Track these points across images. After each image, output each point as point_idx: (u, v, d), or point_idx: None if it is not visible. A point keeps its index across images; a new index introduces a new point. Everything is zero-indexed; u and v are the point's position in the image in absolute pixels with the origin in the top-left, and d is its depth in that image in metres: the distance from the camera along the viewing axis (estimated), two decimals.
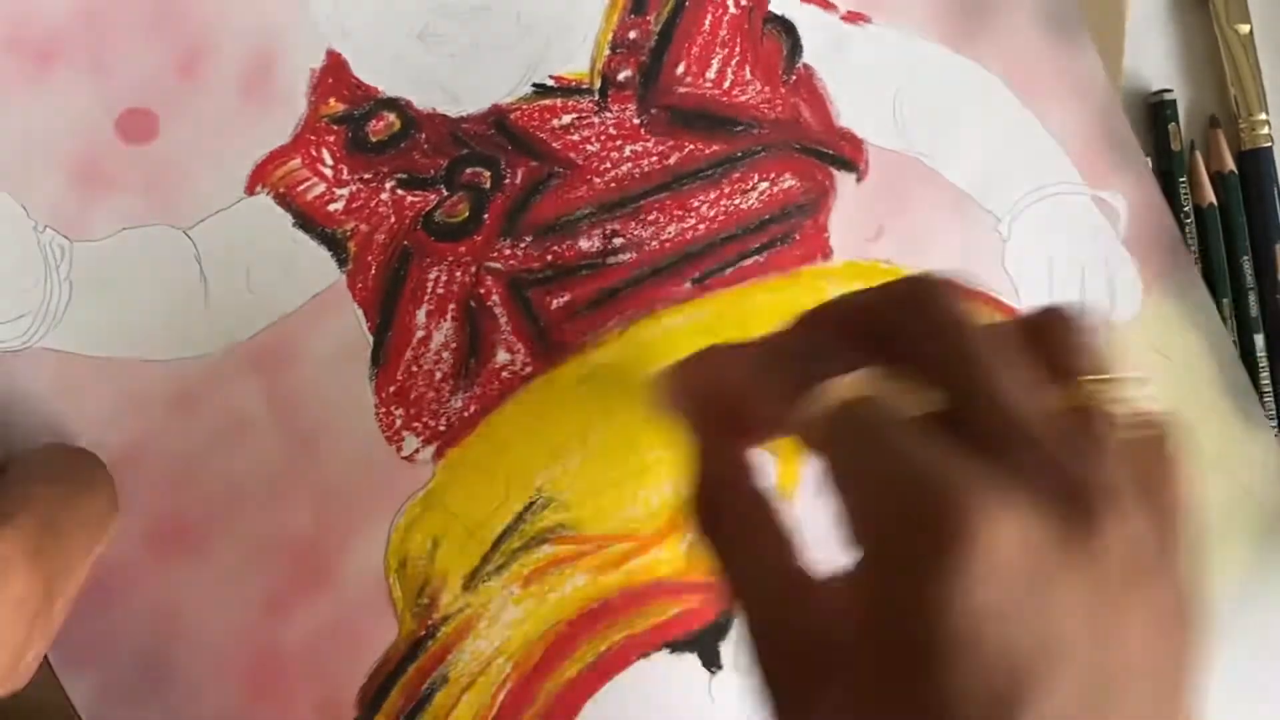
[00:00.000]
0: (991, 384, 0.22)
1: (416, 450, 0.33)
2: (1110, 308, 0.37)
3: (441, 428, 0.33)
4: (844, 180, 0.36)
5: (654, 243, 0.35)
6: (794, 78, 0.36)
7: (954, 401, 0.22)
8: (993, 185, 0.37)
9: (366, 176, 0.33)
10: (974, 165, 0.36)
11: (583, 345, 0.34)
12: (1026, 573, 0.20)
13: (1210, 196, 0.38)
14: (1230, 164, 0.39)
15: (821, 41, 0.36)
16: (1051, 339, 0.24)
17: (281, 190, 0.33)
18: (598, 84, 0.34)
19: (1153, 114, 0.39)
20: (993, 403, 0.22)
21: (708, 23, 0.35)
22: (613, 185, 0.34)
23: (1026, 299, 0.36)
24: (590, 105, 0.34)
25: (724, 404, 0.26)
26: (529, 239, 0.34)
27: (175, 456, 0.32)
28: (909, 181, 0.36)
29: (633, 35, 0.35)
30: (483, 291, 0.34)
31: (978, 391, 0.22)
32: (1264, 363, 0.38)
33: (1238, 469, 0.38)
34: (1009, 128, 0.37)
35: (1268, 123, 0.39)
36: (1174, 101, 0.39)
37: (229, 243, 0.33)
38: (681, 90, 0.35)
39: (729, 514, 0.26)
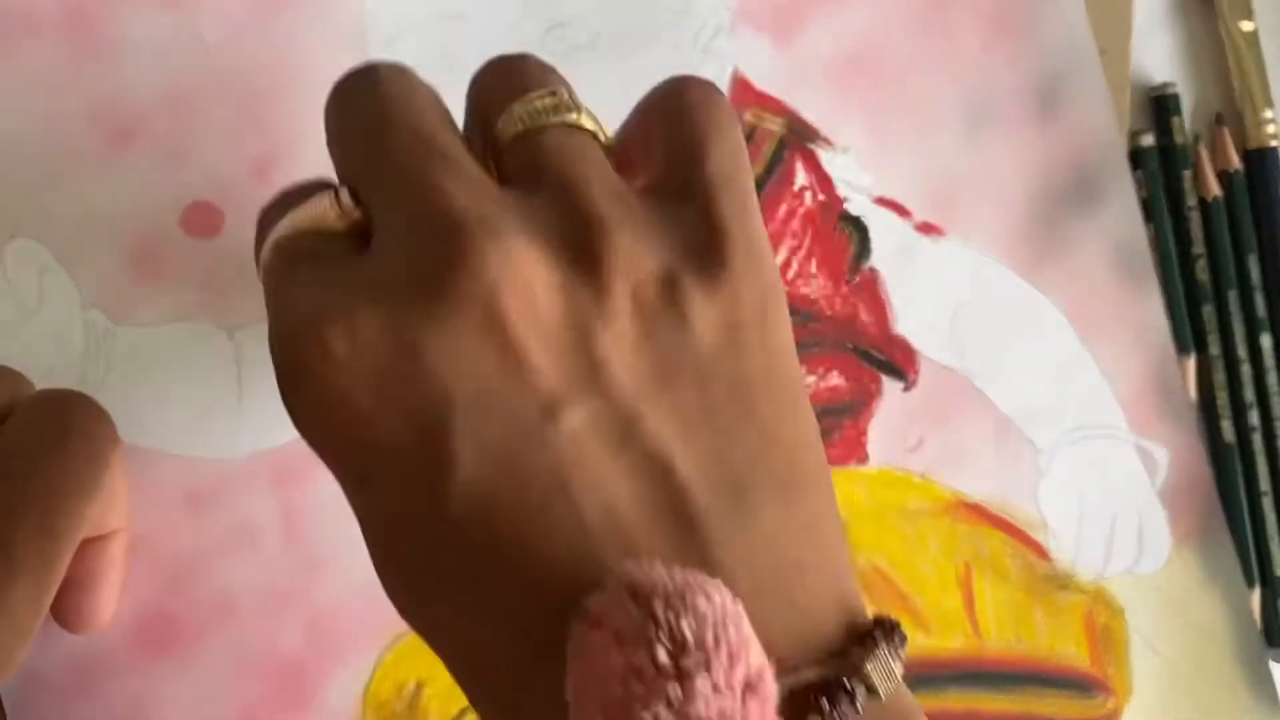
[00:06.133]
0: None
1: None
2: (1137, 558, 0.37)
3: None
4: (891, 387, 0.36)
5: None
6: (858, 278, 0.35)
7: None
8: (1038, 415, 0.36)
9: None
10: (1022, 392, 0.36)
11: None
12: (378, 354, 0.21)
13: (1215, 189, 0.38)
14: (1236, 162, 0.38)
15: (892, 246, 0.35)
16: (482, 94, 0.24)
17: None
18: None
19: (1155, 108, 0.38)
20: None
21: (782, 211, 0.35)
22: None
23: (1054, 533, 0.36)
24: None
25: None
26: None
27: (179, 555, 0.32)
28: (956, 397, 0.36)
29: None
30: None
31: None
32: (1272, 363, 0.38)
33: None
34: (1063, 361, 0.36)
35: (1274, 121, 0.38)
36: (1177, 95, 0.38)
37: None
38: None
39: None
